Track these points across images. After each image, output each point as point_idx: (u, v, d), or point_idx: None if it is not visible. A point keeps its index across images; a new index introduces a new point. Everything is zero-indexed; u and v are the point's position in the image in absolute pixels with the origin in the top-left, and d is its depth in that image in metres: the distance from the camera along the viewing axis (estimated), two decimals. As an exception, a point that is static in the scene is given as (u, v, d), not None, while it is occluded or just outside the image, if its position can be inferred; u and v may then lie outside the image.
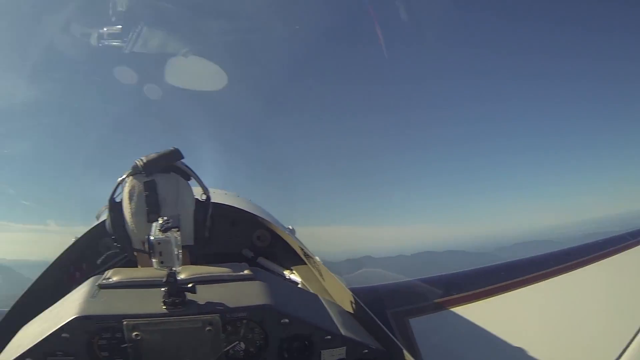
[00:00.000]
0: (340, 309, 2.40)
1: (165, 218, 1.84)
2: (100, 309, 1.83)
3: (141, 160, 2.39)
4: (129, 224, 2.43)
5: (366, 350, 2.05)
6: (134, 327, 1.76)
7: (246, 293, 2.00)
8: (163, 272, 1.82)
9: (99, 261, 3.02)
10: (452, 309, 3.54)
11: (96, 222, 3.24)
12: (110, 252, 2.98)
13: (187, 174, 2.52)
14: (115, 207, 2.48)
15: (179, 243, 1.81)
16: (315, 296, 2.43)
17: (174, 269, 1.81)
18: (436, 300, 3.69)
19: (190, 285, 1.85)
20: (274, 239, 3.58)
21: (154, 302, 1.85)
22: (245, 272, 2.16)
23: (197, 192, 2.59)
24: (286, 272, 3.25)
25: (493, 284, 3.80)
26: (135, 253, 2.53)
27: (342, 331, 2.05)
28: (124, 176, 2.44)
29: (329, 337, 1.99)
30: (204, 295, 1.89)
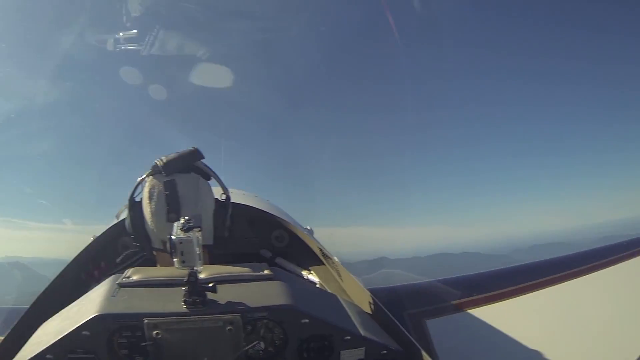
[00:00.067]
0: (359, 309, 2.40)
1: (186, 218, 1.85)
2: (120, 308, 1.85)
3: (161, 160, 2.41)
4: (149, 223, 2.44)
5: (385, 351, 2.04)
6: (155, 326, 1.78)
7: (266, 293, 2.00)
8: (183, 272, 1.83)
9: (118, 260, 3.03)
10: (469, 311, 3.50)
11: (114, 222, 3.26)
12: (129, 251, 3.00)
13: (207, 174, 2.53)
14: (135, 206, 2.50)
15: (201, 243, 1.82)
16: (334, 296, 2.43)
17: (195, 268, 1.82)
18: (453, 302, 3.67)
19: (211, 284, 1.86)
20: (292, 239, 3.58)
21: (174, 301, 1.86)
22: (265, 272, 2.17)
23: (217, 192, 2.60)
24: (304, 273, 3.25)
25: (510, 286, 3.77)
26: (154, 252, 2.55)
27: (361, 332, 2.04)
28: (144, 176, 2.46)
29: (349, 337, 1.99)
30: (224, 294, 1.90)
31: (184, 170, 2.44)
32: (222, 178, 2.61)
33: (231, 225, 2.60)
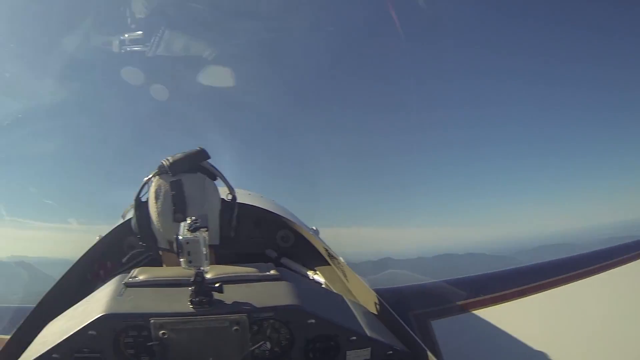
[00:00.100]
0: (365, 309, 2.39)
1: (193, 218, 1.85)
2: (127, 307, 1.86)
3: (167, 160, 2.42)
4: (155, 223, 2.45)
5: (391, 352, 2.04)
6: (161, 326, 1.78)
7: (273, 293, 2.00)
8: (189, 272, 1.83)
9: (124, 260, 3.04)
10: (474, 312, 3.49)
11: (120, 222, 3.28)
12: (135, 251, 3.00)
13: (213, 174, 2.53)
14: (141, 206, 2.51)
15: (207, 243, 1.83)
16: (340, 297, 2.42)
17: (202, 268, 1.82)
18: (458, 303, 3.67)
19: (217, 285, 1.86)
20: (297, 239, 3.57)
21: (180, 301, 1.86)
22: (272, 272, 2.17)
23: (223, 192, 2.60)
24: (310, 273, 3.25)
25: (515, 288, 3.76)
26: (160, 252, 2.56)
27: (367, 332, 2.03)
28: (150, 176, 2.47)
29: (355, 338, 1.99)
30: (230, 295, 1.90)
31: (191, 170, 2.45)
32: (227, 178, 2.61)
33: (237, 226, 2.61)
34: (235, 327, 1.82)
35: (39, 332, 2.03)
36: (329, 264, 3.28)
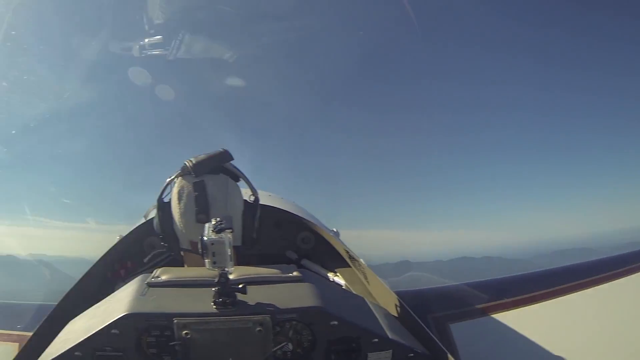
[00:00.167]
0: (386, 311, 2.39)
1: (218, 219, 1.86)
2: (150, 307, 1.87)
3: (190, 161, 2.43)
4: (177, 223, 2.46)
5: (412, 354, 2.03)
6: (184, 326, 1.79)
7: (296, 294, 2.00)
8: (211, 272, 1.85)
9: (145, 259, 3.08)
10: (492, 315, 3.46)
11: (141, 221, 3.33)
12: (156, 251, 3.04)
13: (236, 175, 2.54)
14: (163, 206, 2.52)
15: (232, 244, 1.83)
16: (361, 299, 2.41)
17: (226, 269, 1.83)
18: (477, 306, 3.65)
19: (241, 285, 1.87)
20: (318, 241, 3.58)
21: (203, 302, 1.87)
22: (294, 273, 2.17)
23: (245, 194, 2.62)
24: (330, 274, 3.25)
25: (533, 292, 3.72)
26: (182, 252, 2.57)
27: (389, 334, 2.03)
28: (172, 176, 2.48)
29: (376, 340, 1.98)
30: (253, 296, 1.91)
31: (213, 171, 2.46)
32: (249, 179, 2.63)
33: (259, 227, 2.62)
34: (258, 328, 1.82)
35: (60, 330, 2.06)
36: (349, 266, 3.28)
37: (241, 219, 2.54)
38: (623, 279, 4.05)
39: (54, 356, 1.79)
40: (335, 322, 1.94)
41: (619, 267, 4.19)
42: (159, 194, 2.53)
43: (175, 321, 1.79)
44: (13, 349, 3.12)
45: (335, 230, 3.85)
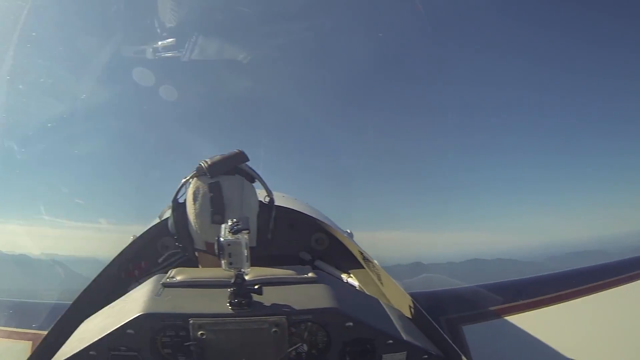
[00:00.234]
0: (400, 313, 2.38)
1: (234, 220, 1.86)
2: (165, 307, 1.87)
3: (206, 162, 2.43)
4: (193, 224, 2.46)
5: (426, 356, 2.02)
6: (200, 326, 1.79)
7: (311, 295, 2.00)
8: (226, 273, 1.85)
9: (160, 260, 3.12)
10: (506, 318, 3.44)
11: (156, 222, 3.32)
12: (171, 251, 3.08)
13: (251, 177, 2.54)
14: (178, 207, 2.53)
15: (248, 245, 1.83)
16: (376, 300, 2.40)
17: (242, 270, 1.84)
18: (490, 308, 3.64)
19: (256, 286, 1.87)
20: (332, 242, 3.57)
21: (219, 302, 1.87)
22: (309, 274, 2.17)
23: (260, 195, 2.62)
24: (344, 276, 3.24)
25: (547, 294, 3.69)
26: (196, 253, 2.57)
27: (403, 336, 2.02)
28: (188, 177, 2.49)
29: (391, 341, 1.97)
30: (269, 296, 1.91)
31: (229, 172, 2.47)
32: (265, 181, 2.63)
33: (274, 228, 2.63)
34: (274, 329, 1.83)
35: (74, 329, 2.07)
36: (363, 267, 3.27)
37: (256, 220, 2.55)
38: (638, 281, 4.01)
39: (69, 355, 1.80)
40: (351, 324, 1.93)
41: (633, 269, 4.15)
42: (173, 194, 2.54)
43: (191, 322, 1.80)
44: (27, 347, 3.16)
45: (349, 231, 3.84)
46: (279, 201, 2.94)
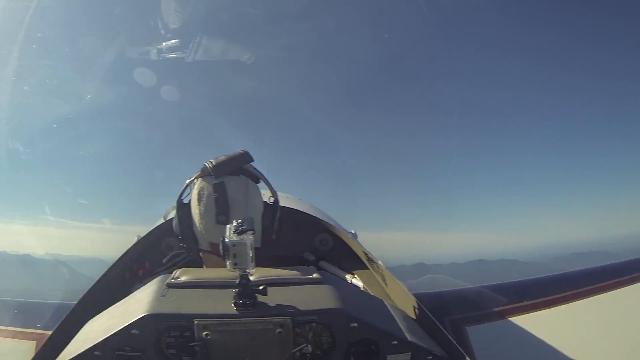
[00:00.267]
0: (404, 314, 2.38)
1: (239, 220, 1.86)
2: (170, 308, 1.88)
3: (210, 162, 2.43)
4: (197, 224, 2.47)
5: (430, 357, 2.02)
6: (205, 327, 1.80)
7: (316, 296, 2.01)
8: (231, 273, 1.85)
9: (164, 260, 3.11)
10: (509, 318, 3.44)
11: (160, 222, 3.33)
12: (175, 252, 3.07)
13: (256, 177, 2.55)
14: (183, 207, 2.54)
15: (253, 246, 1.84)
16: (380, 301, 2.40)
17: (247, 271, 1.84)
18: (494, 309, 3.63)
19: (261, 287, 1.87)
20: (336, 243, 3.57)
21: (223, 303, 1.88)
22: (314, 275, 2.18)
23: (264, 195, 2.62)
24: (348, 276, 3.24)
25: (551, 295, 3.68)
26: (200, 254, 2.58)
27: (408, 337, 2.02)
28: (192, 177, 2.49)
29: (395, 342, 1.97)
30: (274, 297, 1.91)
31: (234, 172, 2.47)
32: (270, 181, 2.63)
33: (279, 229, 2.64)
34: (278, 330, 1.83)
35: (78, 329, 2.07)
36: (367, 268, 3.27)
37: (261, 221, 2.55)
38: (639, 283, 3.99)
39: (73, 355, 1.80)
40: (355, 324, 1.94)
41: (637, 271, 4.14)
42: (178, 195, 2.55)
43: (195, 322, 1.80)
44: (32, 347, 3.16)
45: (353, 232, 3.84)
46: (284, 202, 2.94)
